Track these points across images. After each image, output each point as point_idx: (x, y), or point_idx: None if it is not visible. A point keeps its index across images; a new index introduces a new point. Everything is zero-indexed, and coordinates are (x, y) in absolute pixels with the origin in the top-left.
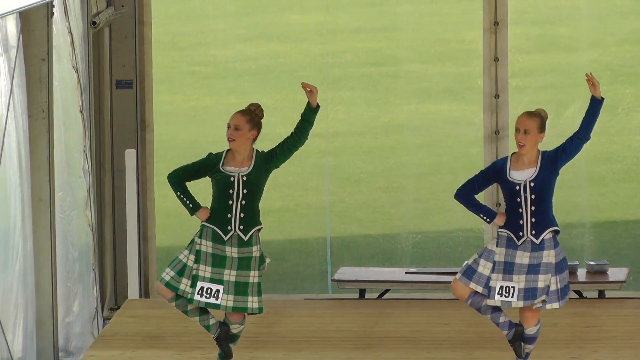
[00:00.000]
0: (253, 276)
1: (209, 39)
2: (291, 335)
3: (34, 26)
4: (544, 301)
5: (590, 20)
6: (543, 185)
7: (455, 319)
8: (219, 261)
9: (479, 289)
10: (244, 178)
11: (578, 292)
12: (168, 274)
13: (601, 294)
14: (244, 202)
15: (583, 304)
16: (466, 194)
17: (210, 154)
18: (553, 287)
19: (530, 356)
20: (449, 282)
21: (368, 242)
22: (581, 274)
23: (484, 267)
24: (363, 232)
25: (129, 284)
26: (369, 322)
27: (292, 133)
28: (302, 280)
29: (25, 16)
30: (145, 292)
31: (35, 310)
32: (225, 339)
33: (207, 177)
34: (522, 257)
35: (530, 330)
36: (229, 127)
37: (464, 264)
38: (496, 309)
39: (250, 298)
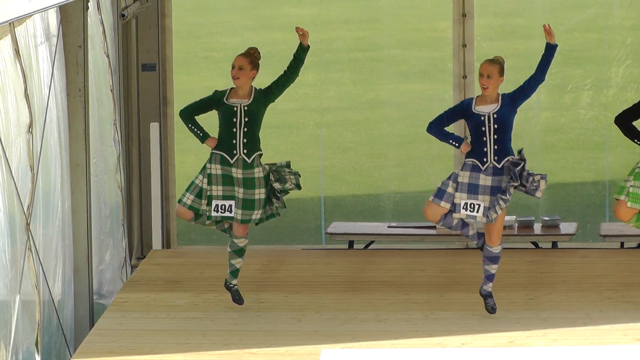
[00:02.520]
0: (258, 193)
1: (220, 29)
2: (290, 280)
3: (71, 18)
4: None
5: (544, 12)
6: (504, 119)
7: (430, 266)
8: (228, 180)
9: (448, 206)
10: (245, 108)
11: (534, 243)
12: (188, 198)
13: (554, 245)
14: (246, 130)
15: (538, 254)
16: (436, 127)
17: (216, 90)
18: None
19: (492, 297)
20: (426, 235)
21: (356, 200)
22: (537, 227)
23: (452, 188)
24: (351, 192)
25: (153, 237)
26: (357, 268)
27: (285, 70)
28: (299, 233)
29: (64, 9)
30: (167, 243)
31: (72, 260)
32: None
33: (214, 110)
34: (485, 180)
35: (495, 249)
36: (233, 67)
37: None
38: (465, 225)
39: (255, 212)
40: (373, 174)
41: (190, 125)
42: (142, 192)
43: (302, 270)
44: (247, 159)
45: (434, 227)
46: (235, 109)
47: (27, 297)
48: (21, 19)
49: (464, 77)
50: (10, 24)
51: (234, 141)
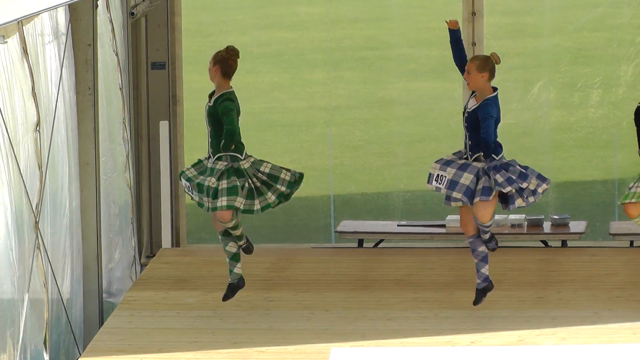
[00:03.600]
0: (211, 182)
1: (229, 27)
2: (300, 278)
3: (80, 16)
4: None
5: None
6: (475, 119)
7: (439, 264)
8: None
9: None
10: (207, 107)
11: (544, 242)
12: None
13: (563, 243)
14: (209, 129)
15: (548, 252)
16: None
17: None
18: (480, 186)
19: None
20: (435, 234)
21: (365, 199)
22: (546, 226)
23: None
24: (361, 190)
25: (162, 235)
26: (366, 267)
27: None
28: (309, 231)
29: (73, 8)
30: (176, 242)
31: (82, 258)
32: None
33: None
34: (459, 160)
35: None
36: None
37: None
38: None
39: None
40: (382, 173)
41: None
42: (152, 191)
43: (312, 268)
44: (212, 157)
45: (443, 226)
46: (205, 108)
47: (36, 295)
48: (30, 17)
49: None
50: (18, 22)
51: (208, 140)
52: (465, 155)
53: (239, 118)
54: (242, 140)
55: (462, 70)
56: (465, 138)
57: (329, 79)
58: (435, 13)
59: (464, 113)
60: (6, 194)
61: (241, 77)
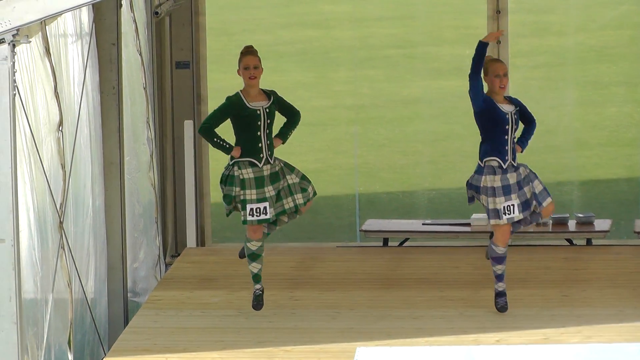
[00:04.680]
0: (290, 178)
1: (253, 26)
2: (325, 277)
3: (104, 15)
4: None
5: (577, 8)
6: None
7: (464, 262)
8: (260, 182)
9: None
10: (267, 110)
11: (569, 240)
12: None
13: (588, 241)
14: (267, 132)
15: (573, 251)
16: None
17: (229, 96)
18: (539, 188)
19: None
20: (460, 232)
21: (390, 198)
22: (571, 224)
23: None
24: (386, 189)
25: (187, 235)
26: (391, 266)
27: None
28: (334, 230)
29: (97, 7)
30: (201, 241)
31: (106, 258)
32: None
33: (232, 117)
34: (512, 178)
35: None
36: (247, 67)
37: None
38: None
39: (295, 196)
40: (407, 171)
41: (215, 140)
42: (177, 190)
43: (337, 267)
44: (270, 160)
45: (468, 224)
46: (258, 112)
47: (60, 295)
48: (53, 17)
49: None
50: (41, 22)
51: (260, 145)
52: (509, 162)
53: None
54: None
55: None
56: (509, 144)
57: (354, 78)
58: (460, 11)
59: (507, 119)
60: (29, 194)
61: (265, 76)
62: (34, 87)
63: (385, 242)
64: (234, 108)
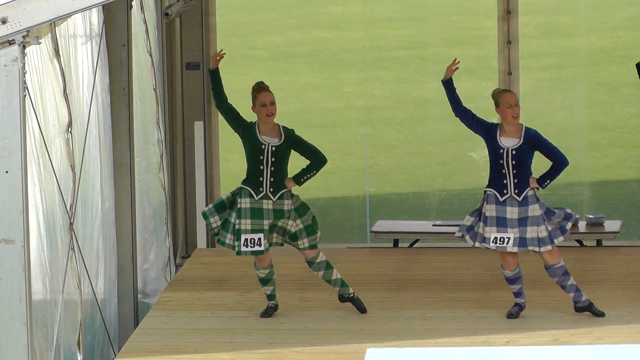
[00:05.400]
0: (291, 225)
1: (264, 27)
2: None
3: (115, 17)
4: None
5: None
6: (523, 156)
7: (475, 264)
8: (257, 213)
9: (471, 243)
10: (273, 148)
11: (579, 241)
12: (222, 235)
13: (598, 242)
14: (272, 169)
15: (583, 252)
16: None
17: (250, 122)
18: (543, 235)
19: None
20: None
21: (400, 199)
22: (581, 225)
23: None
24: (396, 190)
25: (197, 236)
26: (402, 267)
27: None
28: (344, 231)
29: (107, 8)
30: (211, 242)
31: (116, 259)
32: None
33: (238, 131)
34: (512, 213)
35: (557, 264)
36: (264, 104)
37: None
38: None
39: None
40: (417, 172)
41: (218, 81)
42: (187, 191)
43: (347, 268)
44: (272, 197)
45: None
46: (263, 146)
47: (70, 296)
48: (63, 18)
49: (509, 73)
50: (51, 23)
51: (261, 178)
52: (508, 195)
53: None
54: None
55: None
56: (509, 177)
57: (364, 79)
58: (470, 12)
59: (503, 154)
60: (38, 196)
61: (276, 77)
62: (43, 88)
63: (396, 243)
64: (247, 127)
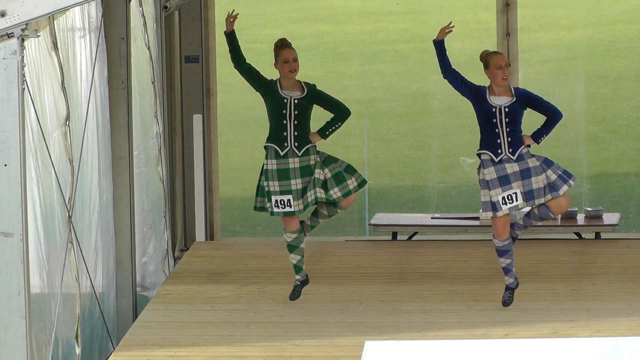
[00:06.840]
0: (318, 174)
1: (263, 21)
2: (334, 271)
3: (113, 10)
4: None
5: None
6: (516, 113)
7: (474, 257)
8: (284, 174)
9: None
10: (296, 101)
11: (577, 234)
12: (258, 201)
13: (597, 235)
14: (296, 122)
15: (582, 244)
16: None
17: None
18: (553, 178)
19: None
20: (469, 226)
21: (399, 192)
22: (580, 218)
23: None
24: (395, 183)
25: (196, 229)
26: (400, 260)
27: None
28: (343, 224)
29: (106, 1)
30: (210, 235)
31: (115, 252)
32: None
33: (259, 91)
34: (512, 167)
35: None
36: (287, 60)
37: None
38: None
39: (318, 190)
40: (417, 165)
41: (236, 42)
42: (186, 185)
43: (346, 261)
44: (297, 152)
45: (477, 218)
46: (285, 100)
47: (68, 290)
48: (62, 11)
49: (508, 65)
50: (50, 16)
51: (285, 133)
52: (503, 155)
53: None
54: None
55: (453, 74)
56: (503, 137)
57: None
58: (470, 6)
59: (496, 112)
60: (35, 189)
61: (275, 71)
62: (41, 81)
63: (395, 236)
64: (268, 85)
